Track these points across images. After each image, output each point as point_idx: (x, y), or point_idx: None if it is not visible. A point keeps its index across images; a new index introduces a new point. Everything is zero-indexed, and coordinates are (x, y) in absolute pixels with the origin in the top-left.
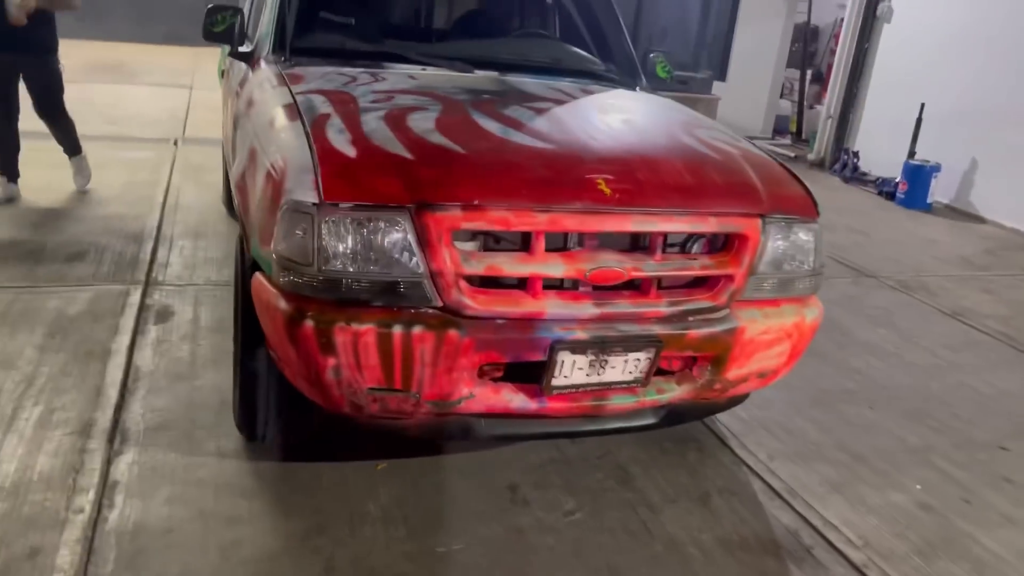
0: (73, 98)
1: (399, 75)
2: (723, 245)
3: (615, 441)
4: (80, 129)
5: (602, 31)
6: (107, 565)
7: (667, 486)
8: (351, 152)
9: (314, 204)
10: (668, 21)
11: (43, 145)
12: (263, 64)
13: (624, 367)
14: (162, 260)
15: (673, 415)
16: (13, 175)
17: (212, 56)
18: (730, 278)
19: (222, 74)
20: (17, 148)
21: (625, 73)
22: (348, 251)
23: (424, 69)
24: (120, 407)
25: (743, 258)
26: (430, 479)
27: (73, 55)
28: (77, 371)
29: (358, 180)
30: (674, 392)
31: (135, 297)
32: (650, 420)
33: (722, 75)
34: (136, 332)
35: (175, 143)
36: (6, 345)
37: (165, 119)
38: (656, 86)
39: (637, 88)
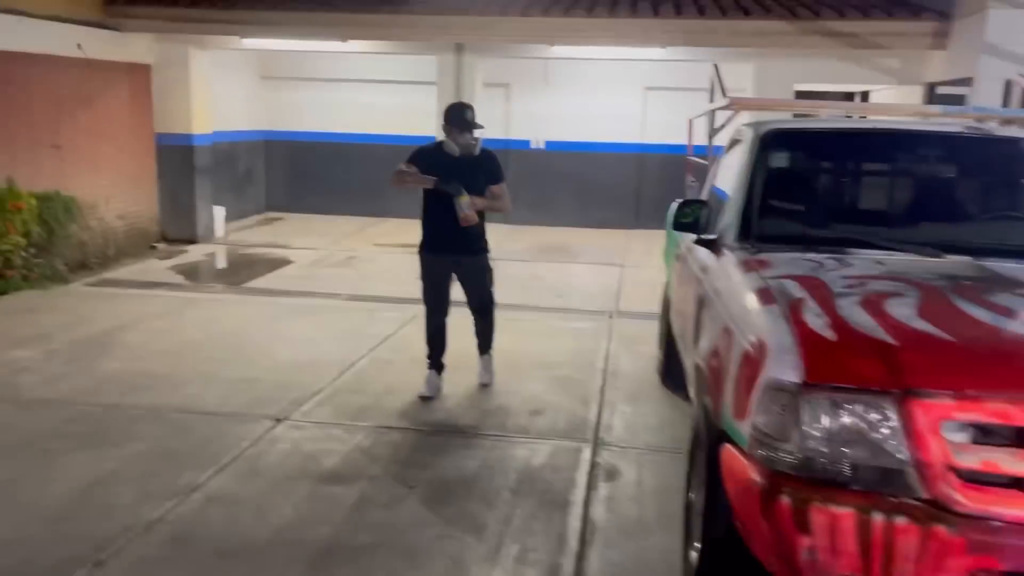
0: (527, 275)
1: (865, 261)
2: None
3: None
4: (532, 301)
5: None
6: None
7: None
8: (831, 335)
9: (795, 383)
10: None
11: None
12: (728, 251)
13: None
14: (606, 422)
15: None
16: (440, 367)
17: (640, 238)
18: None
19: (676, 257)
20: (445, 344)
21: None
22: (828, 432)
23: (889, 254)
24: (581, 556)
25: None
26: None
27: (527, 238)
28: (543, 516)
29: (840, 362)
30: None
31: (586, 454)
32: None
33: None
34: (589, 487)
35: (611, 316)
36: (488, 485)
37: (601, 293)
38: None
39: None
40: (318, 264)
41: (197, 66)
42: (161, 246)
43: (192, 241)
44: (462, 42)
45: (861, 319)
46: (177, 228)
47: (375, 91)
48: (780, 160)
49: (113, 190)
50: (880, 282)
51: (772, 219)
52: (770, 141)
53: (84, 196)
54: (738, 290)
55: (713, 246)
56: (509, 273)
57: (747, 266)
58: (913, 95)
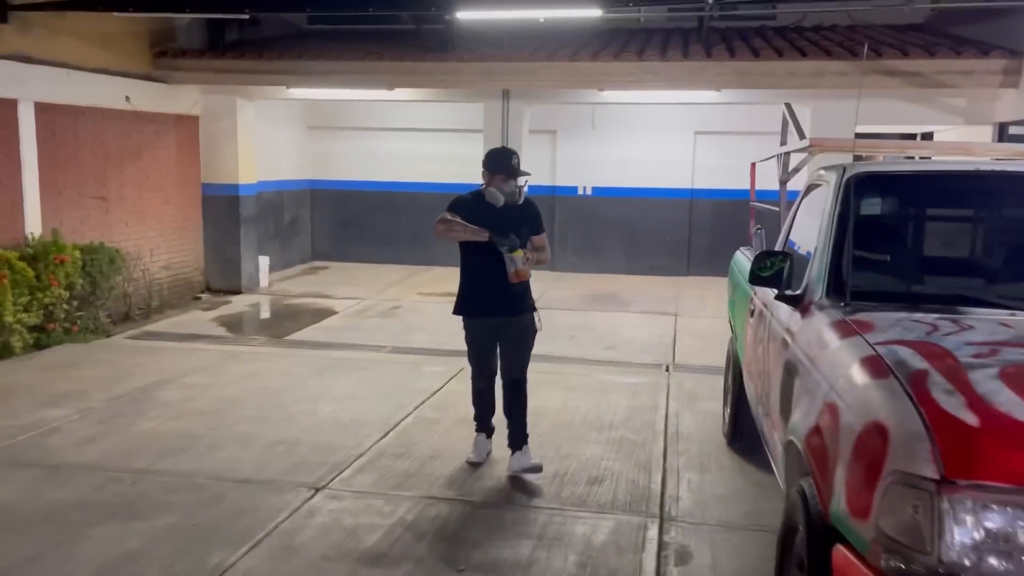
0: (576, 324)
1: (988, 322)
2: None
3: None
4: (582, 353)
5: None
6: None
7: None
8: (971, 419)
9: (933, 480)
10: None
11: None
12: (818, 310)
13: None
14: (672, 492)
15: None
16: (490, 431)
17: (693, 285)
18: None
19: (750, 313)
20: (494, 407)
21: None
22: (976, 540)
23: (1013, 314)
24: None
25: None
26: None
27: (574, 286)
28: None
29: (988, 454)
30: None
31: (653, 532)
32: None
33: None
34: (659, 573)
35: (667, 369)
36: (547, 566)
37: (655, 344)
38: None
39: None
40: (362, 314)
41: (243, 116)
42: (205, 297)
43: (236, 291)
44: (508, 88)
45: (1005, 398)
46: (222, 278)
47: (420, 139)
48: (872, 207)
49: (158, 241)
50: (1016, 350)
51: (866, 273)
52: (860, 186)
53: (129, 247)
54: (840, 358)
55: (798, 303)
56: (557, 323)
57: (845, 329)
58: (982, 135)
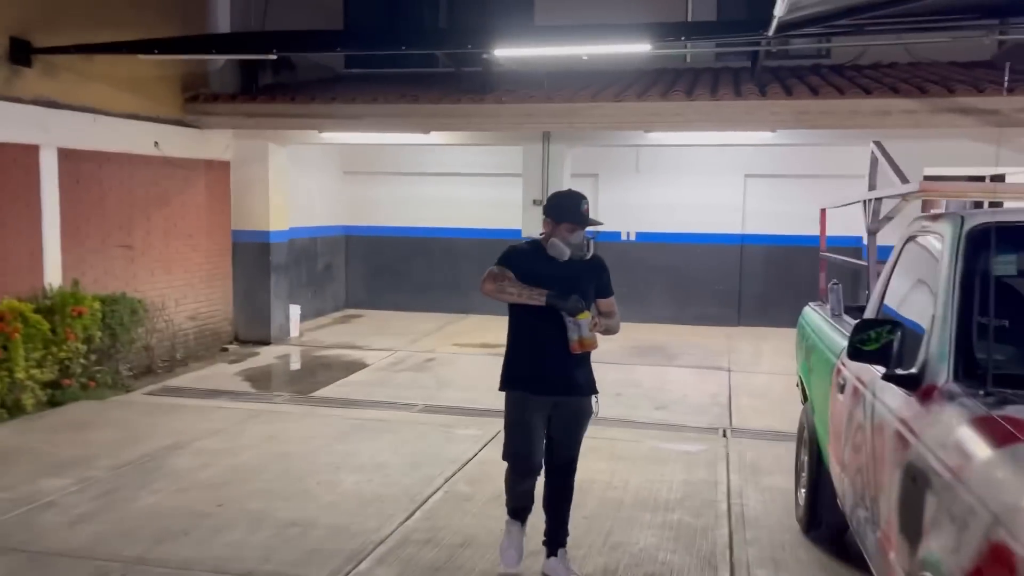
0: (622, 380)
1: None
2: None
3: None
4: (629, 414)
5: None
6: None
7: None
8: None
9: None
10: None
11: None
12: (947, 400)
13: None
14: None
15: None
16: (526, 517)
17: (745, 337)
18: None
19: (839, 387)
20: (533, 500)
21: None
22: None
23: None
24: None
25: None
26: None
27: (618, 337)
28: None
29: None
30: None
31: None
32: None
33: None
34: None
35: (724, 434)
36: None
37: (708, 404)
38: None
39: None
40: (394, 367)
41: (275, 161)
42: (233, 348)
43: (265, 342)
44: (549, 130)
45: None
46: (251, 329)
47: (458, 184)
48: (1006, 266)
49: (186, 290)
50: None
51: (1010, 350)
52: (985, 239)
53: (154, 297)
54: (1007, 480)
55: (915, 387)
56: (600, 378)
57: (1000, 432)
58: None
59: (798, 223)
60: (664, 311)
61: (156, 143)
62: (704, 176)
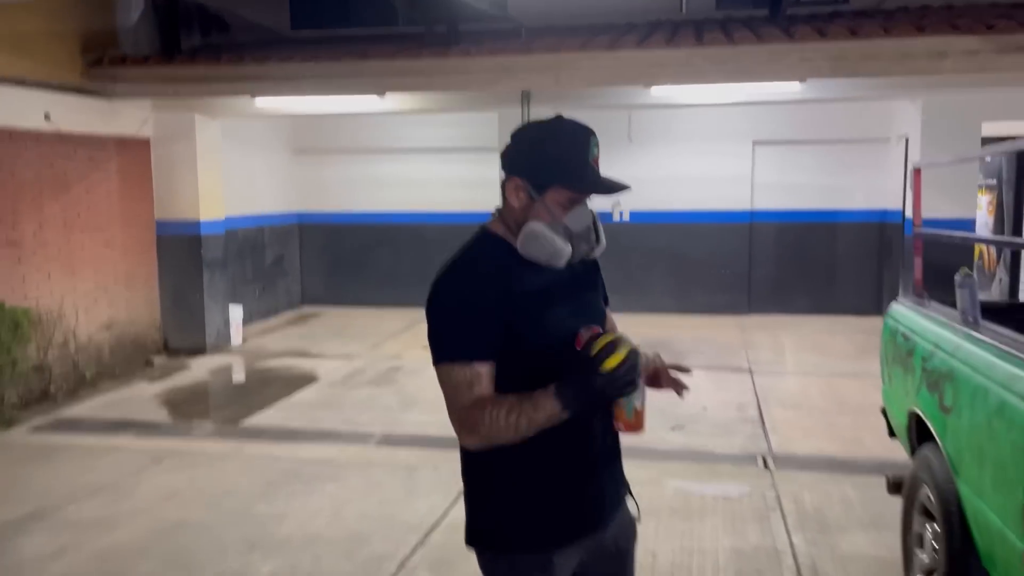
0: None
1: None
2: None
3: None
4: (643, 440)
5: None
6: None
7: None
8: None
9: None
10: None
11: None
12: None
13: None
14: None
15: None
16: None
17: (761, 327)
18: None
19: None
20: None
21: None
22: None
23: None
24: None
25: None
26: None
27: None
28: None
29: None
30: None
31: None
32: None
33: None
34: None
35: (765, 463)
36: None
37: (736, 420)
38: None
39: None
40: (349, 381)
41: (205, 138)
42: (159, 361)
43: (200, 351)
44: (529, 89)
45: None
46: (183, 336)
47: (426, 162)
48: None
49: (97, 294)
50: None
51: None
52: None
53: (50, 305)
54: None
55: None
56: None
57: None
58: None
59: (814, 196)
60: (665, 300)
61: (47, 115)
62: (707, 144)
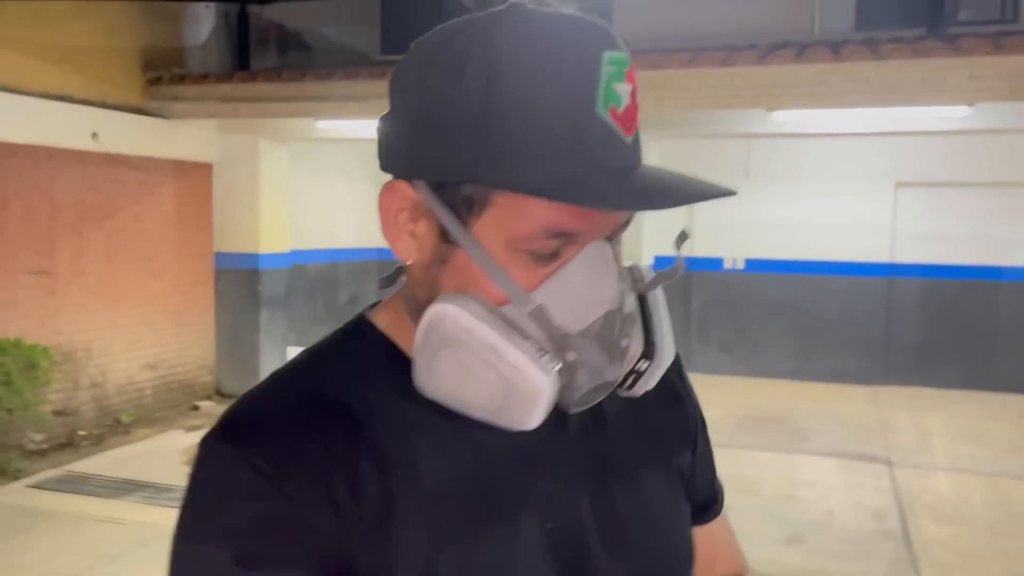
0: (727, 478)
1: None
2: None
3: None
4: (747, 554)
5: None
6: None
7: None
8: None
9: None
10: None
11: None
12: None
13: None
14: None
15: None
16: None
17: (899, 402)
18: None
19: None
20: None
21: None
22: None
23: None
24: None
25: None
26: None
27: (722, 400)
28: None
29: None
30: None
31: None
32: None
33: None
34: None
35: None
36: None
37: (872, 534)
38: None
39: None
40: None
41: (270, 163)
42: (207, 406)
43: None
44: None
45: None
46: (235, 379)
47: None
48: None
49: (141, 330)
50: None
51: None
52: None
53: (85, 341)
54: None
55: None
56: None
57: None
58: None
59: (971, 249)
60: (784, 363)
61: (94, 134)
62: (840, 184)
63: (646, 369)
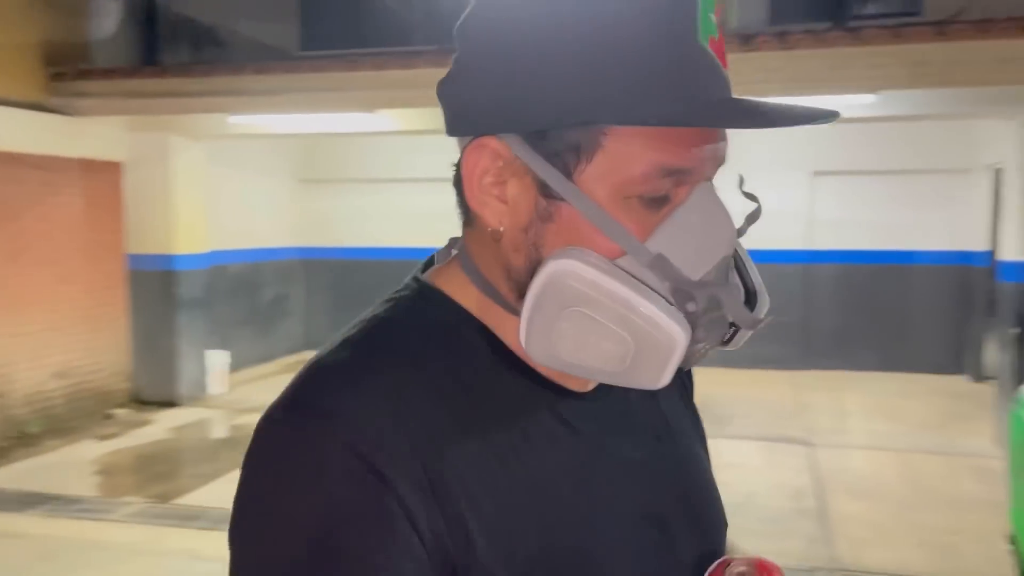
0: None
1: None
2: None
3: None
4: None
5: None
6: None
7: None
8: None
9: None
10: None
11: None
12: None
13: None
14: None
15: None
16: None
17: (818, 386)
18: None
19: None
20: None
21: None
22: None
23: None
24: None
25: None
26: None
27: None
28: None
29: None
30: None
31: None
32: None
33: None
34: None
35: None
36: None
37: (791, 513)
38: None
39: None
40: None
41: (183, 161)
42: (121, 414)
43: (171, 403)
44: None
45: None
46: (152, 385)
47: (444, 193)
48: None
49: (49, 337)
50: None
51: None
52: None
53: None
54: None
55: None
56: None
57: None
58: None
59: (884, 235)
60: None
61: None
62: (756, 174)
63: (750, 317)
